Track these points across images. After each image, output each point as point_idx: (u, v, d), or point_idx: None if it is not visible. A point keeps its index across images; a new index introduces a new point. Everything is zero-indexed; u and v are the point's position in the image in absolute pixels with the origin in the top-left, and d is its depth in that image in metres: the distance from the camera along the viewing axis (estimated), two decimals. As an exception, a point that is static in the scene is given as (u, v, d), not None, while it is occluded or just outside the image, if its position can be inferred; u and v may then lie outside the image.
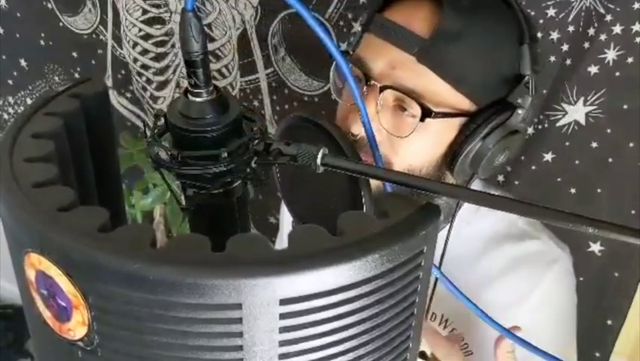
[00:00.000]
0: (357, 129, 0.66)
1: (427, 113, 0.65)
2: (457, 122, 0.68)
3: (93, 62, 1.46)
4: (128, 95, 1.47)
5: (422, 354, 0.75)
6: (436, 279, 0.70)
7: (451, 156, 0.69)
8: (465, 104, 0.68)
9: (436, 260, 0.72)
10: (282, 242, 1.08)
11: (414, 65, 0.65)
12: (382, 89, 0.66)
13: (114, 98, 1.47)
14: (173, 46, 1.32)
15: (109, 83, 1.46)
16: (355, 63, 0.69)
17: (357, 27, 1.10)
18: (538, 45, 0.69)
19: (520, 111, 0.66)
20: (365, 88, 0.68)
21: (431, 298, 0.74)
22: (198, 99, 0.40)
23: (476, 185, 0.83)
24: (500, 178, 1.15)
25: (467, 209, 0.79)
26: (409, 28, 0.66)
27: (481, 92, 0.68)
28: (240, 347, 0.32)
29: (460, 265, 0.74)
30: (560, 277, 0.81)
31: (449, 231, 0.72)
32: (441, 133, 0.69)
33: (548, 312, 0.82)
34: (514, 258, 0.80)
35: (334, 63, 0.72)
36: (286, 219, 1.03)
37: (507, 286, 0.80)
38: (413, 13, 0.67)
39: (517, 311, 0.79)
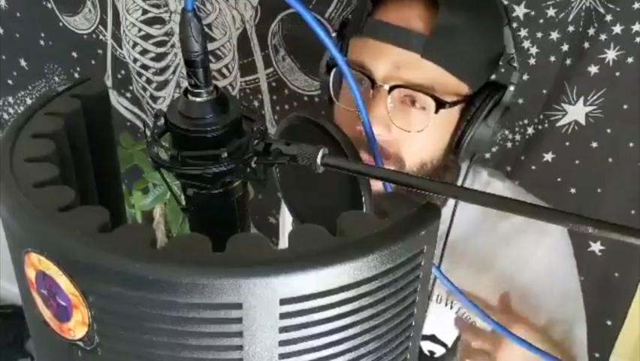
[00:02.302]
0: (376, 131, 0.66)
1: (441, 105, 0.67)
2: (457, 108, 0.71)
3: (93, 62, 1.46)
4: (128, 95, 1.47)
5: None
6: (440, 261, 0.74)
7: (455, 141, 0.72)
8: (464, 89, 0.71)
9: (438, 252, 0.73)
10: (283, 242, 1.09)
11: (418, 61, 0.67)
12: (391, 89, 0.67)
13: (114, 98, 1.47)
14: (173, 46, 1.32)
15: (109, 83, 1.46)
16: (357, 69, 0.70)
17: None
18: (527, 46, 0.74)
19: (511, 88, 0.70)
20: (372, 91, 0.69)
21: (434, 282, 0.76)
22: (198, 99, 0.40)
23: (484, 177, 0.85)
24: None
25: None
26: (409, 28, 0.67)
27: (478, 76, 0.71)
28: (240, 347, 0.32)
29: (459, 245, 0.77)
30: (555, 240, 0.83)
31: (449, 228, 0.74)
32: (446, 122, 0.71)
33: (550, 273, 0.84)
34: (511, 228, 0.82)
35: (333, 70, 0.73)
36: (287, 219, 1.03)
37: (508, 257, 0.82)
38: (407, 12, 0.69)
39: (521, 276, 0.81)
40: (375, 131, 0.66)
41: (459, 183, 0.79)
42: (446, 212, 0.78)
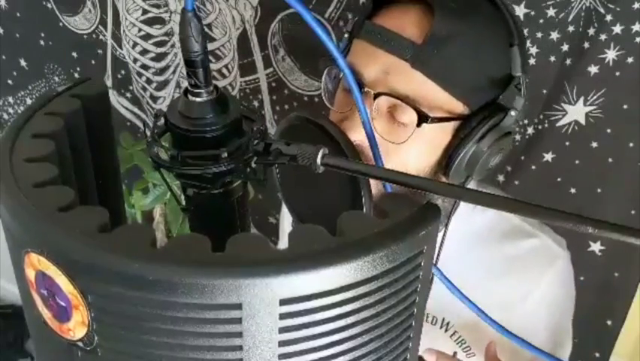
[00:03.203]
0: (354, 136, 0.65)
1: (423, 119, 0.64)
2: (450, 127, 0.68)
3: (93, 62, 1.46)
4: (128, 95, 1.47)
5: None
6: (431, 280, 0.70)
7: (445, 161, 0.68)
8: (459, 107, 0.67)
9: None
10: (282, 243, 1.08)
11: (408, 71, 0.64)
12: (377, 95, 0.65)
13: (114, 98, 1.47)
14: (173, 46, 1.32)
15: (109, 83, 1.46)
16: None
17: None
18: (527, 46, 0.69)
19: (512, 113, 0.66)
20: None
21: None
22: (198, 99, 0.40)
23: (474, 186, 0.83)
24: (500, 178, 1.15)
25: (464, 208, 0.79)
26: (401, 34, 0.65)
27: (474, 95, 0.67)
28: (240, 347, 0.32)
29: (456, 263, 0.73)
30: (559, 275, 0.82)
31: (444, 233, 0.72)
32: (435, 138, 0.68)
33: (548, 310, 0.83)
34: (513, 257, 0.80)
35: (326, 69, 0.72)
36: (286, 220, 1.03)
37: (506, 285, 0.80)
38: (404, 18, 0.66)
39: (518, 309, 0.79)
40: (354, 137, 0.65)
41: (455, 204, 0.74)
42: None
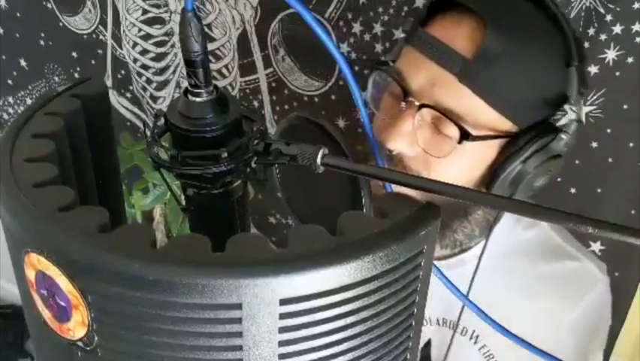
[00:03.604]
0: (393, 145, 0.64)
1: (464, 136, 0.63)
2: (497, 143, 0.66)
3: (93, 62, 1.46)
4: (128, 95, 1.47)
5: None
6: (468, 293, 0.69)
7: (489, 177, 0.67)
8: (506, 124, 0.65)
9: (470, 274, 0.71)
10: None
11: (455, 84, 0.63)
12: (420, 107, 0.64)
13: (114, 98, 1.47)
14: (173, 46, 1.32)
15: (109, 83, 1.46)
16: (394, 77, 0.67)
17: (357, 27, 1.10)
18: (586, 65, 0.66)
19: (563, 136, 0.64)
20: (403, 104, 0.66)
21: (461, 311, 0.74)
22: (198, 99, 0.40)
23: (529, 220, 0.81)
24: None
25: (506, 222, 0.78)
26: (451, 46, 0.64)
27: (524, 114, 0.65)
28: (240, 347, 0.32)
29: (492, 276, 0.73)
30: (597, 300, 0.81)
31: (485, 245, 0.71)
32: (480, 154, 0.67)
33: (581, 334, 0.81)
34: (552, 277, 0.79)
35: (373, 74, 0.70)
36: None
37: (541, 304, 0.79)
38: (456, 29, 0.65)
39: (550, 329, 0.78)
40: (394, 146, 0.65)
41: (497, 216, 0.73)
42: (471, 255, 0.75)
